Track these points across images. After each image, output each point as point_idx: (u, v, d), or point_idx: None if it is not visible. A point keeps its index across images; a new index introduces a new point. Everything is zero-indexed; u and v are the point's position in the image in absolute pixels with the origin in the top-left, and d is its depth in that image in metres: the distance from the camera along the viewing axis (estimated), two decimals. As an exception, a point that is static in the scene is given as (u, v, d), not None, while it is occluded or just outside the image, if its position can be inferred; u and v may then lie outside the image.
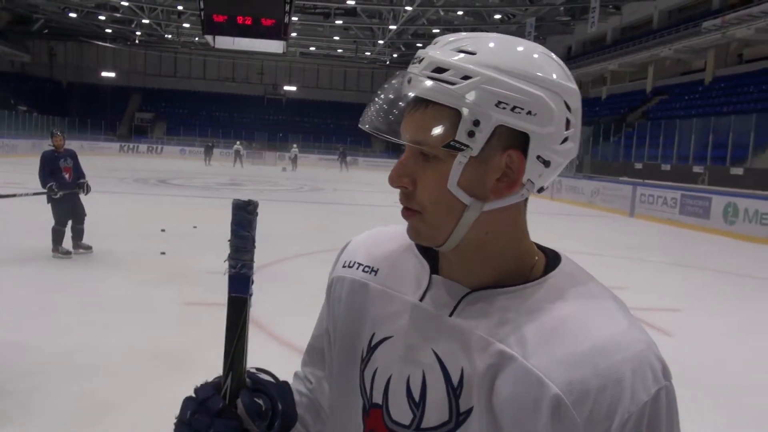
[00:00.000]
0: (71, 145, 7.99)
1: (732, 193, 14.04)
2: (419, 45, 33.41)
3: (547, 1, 32.59)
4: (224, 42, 16.54)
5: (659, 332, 5.51)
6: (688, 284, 8.16)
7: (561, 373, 0.67)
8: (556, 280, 0.75)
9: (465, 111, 0.69)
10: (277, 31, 15.31)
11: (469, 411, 0.72)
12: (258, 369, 0.84)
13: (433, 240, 0.76)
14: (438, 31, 37.70)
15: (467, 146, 0.69)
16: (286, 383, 0.85)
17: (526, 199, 0.77)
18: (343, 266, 0.91)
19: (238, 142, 35.31)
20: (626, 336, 0.69)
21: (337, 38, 43.11)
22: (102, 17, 40.64)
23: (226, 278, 0.79)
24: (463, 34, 0.74)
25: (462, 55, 0.70)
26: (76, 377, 3.85)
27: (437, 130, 0.70)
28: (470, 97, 0.68)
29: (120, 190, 8.84)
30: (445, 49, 0.72)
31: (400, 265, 0.85)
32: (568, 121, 0.72)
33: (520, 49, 0.72)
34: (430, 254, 0.82)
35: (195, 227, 9.57)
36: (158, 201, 14.14)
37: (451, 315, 0.76)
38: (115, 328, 4.83)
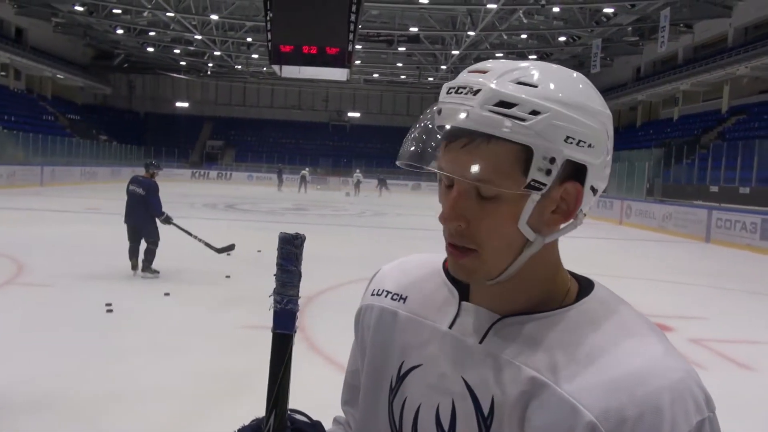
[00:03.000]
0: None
1: (819, 218, 13.16)
2: (482, 69, 33.21)
3: (613, 22, 31.94)
4: (290, 71, 16.99)
5: (740, 366, 5.17)
6: (771, 315, 7.64)
7: (596, 400, 0.65)
8: (588, 306, 0.73)
9: (537, 148, 0.66)
10: (342, 60, 15.60)
11: None
12: (292, 410, 0.82)
13: (488, 277, 0.73)
14: (501, 55, 37.56)
15: (545, 185, 0.67)
16: (319, 424, 0.84)
17: None
18: (372, 294, 0.90)
19: (306, 169, 36.05)
20: (664, 362, 0.67)
21: (400, 64, 43.62)
22: (177, 51, 42.72)
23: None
24: (511, 62, 0.71)
25: (526, 88, 0.67)
26: (140, 399, 3.94)
27: (505, 167, 0.67)
28: (543, 133, 0.66)
29: (189, 215, 9.16)
30: (502, 81, 0.68)
31: (428, 292, 0.83)
32: (608, 148, 0.72)
33: (572, 80, 0.71)
34: (459, 281, 0.80)
35: (259, 251, 9.75)
36: (225, 225, 14.54)
37: (481, 342, 0.74)
38: (178, 350, 4.94)
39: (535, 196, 0.68)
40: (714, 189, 20.52)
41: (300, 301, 0.82)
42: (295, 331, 0.79)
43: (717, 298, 8.50)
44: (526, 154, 0.66)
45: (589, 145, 0.68)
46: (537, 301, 0.75)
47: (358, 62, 39.76)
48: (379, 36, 35.79)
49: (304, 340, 5.24)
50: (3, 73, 35.05)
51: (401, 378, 0.79)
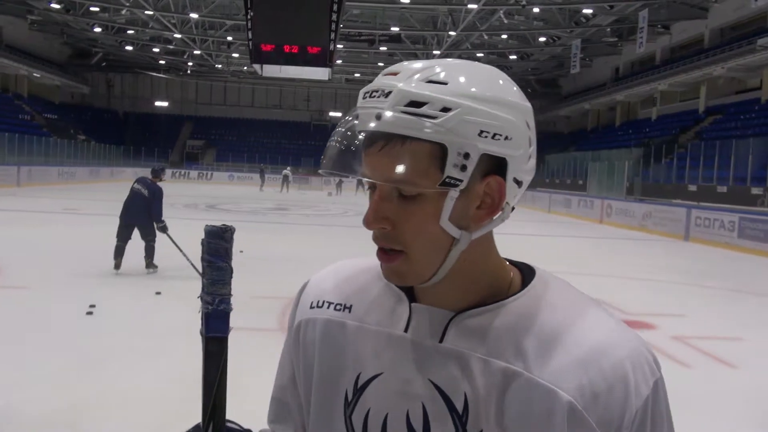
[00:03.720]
0: (125, 173, 8.50)
1: (794, 216, 13.39)
2: (463, 69, 33.35)
3: (593, 23, 32.24)
4: (272, 70, 16.91)
5: (721, 363, 5.22)
6: (749, 312, 7.75)
7: (569, 379, 0.67)
8: (537, 290, 0.75)
9: (452, 145, 0.66)
10: (323, 59, 15.55)
11: None
12: (226, 420, 0.79)
13: (420, 279, 0.73)
14: (482, 55, 37.71)
15: (461, 180, 0.67)
16: (250, 431, 0.82)
17: None
18: (311, 307, 0.85)
19: (288, 168, 35.93)
20: (619, 333, 0.71)
21: (381, 64, 43.52)
22: (156, 49, 42.28)
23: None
24: (421, 62, 0.71)
25: (435, 86, 0.67)
26: (122, 404, 3.87)
27: (420, 167, 0.66)
28: (455, 129, 0.65)
29: (170, 216, 9.02)
30: (412, 80, 0.68)
31: (374, 298, 0.81)
32: (529, 139, 0.72)
33: (485, 72, 0.71)
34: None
35: (241, 251, 9.59)
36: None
37: (441, 341, 0.73)
38: (161, 353, 4.86)
39: (454, 193, 0.68)
40: (692, 188, 20.80)
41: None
42: (229, 333, 0.73)
43: (697, 295, 8.60)
44: (441, 151, 0.66)
45: (506, 138, 0.68)
46: (485, 293, 0.75)
47: (339, 62, 39.66)
48: (360, 35, 35.76)
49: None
50: (-23, 72, 34.41)
51: (360, 390, 0.76)
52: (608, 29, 32.97)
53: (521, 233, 16.18)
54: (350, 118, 0.71)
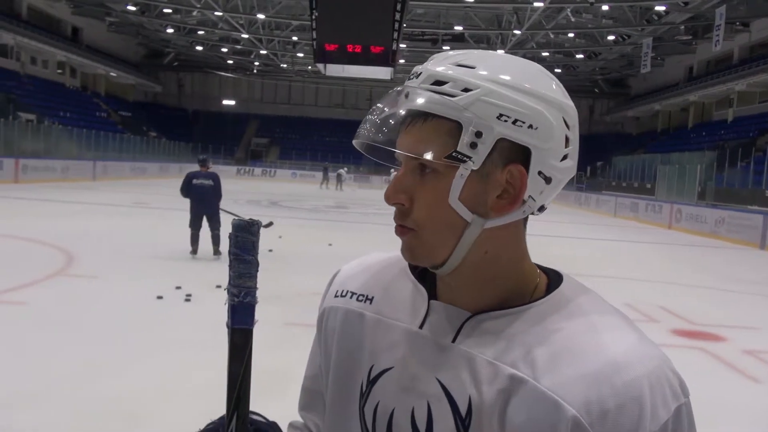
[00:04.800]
0: (193, 168, 9.11)
1: None
2: (528, 68, 32.82)
3: (665, 20, 31.03)
4: (335, 70, 17.11)
5: (796, 380, 4.90)
6: (831, 327, 7.26)
7: (577, 393, 0.64)
8: (559, 298, 0.72)
9: (466, 122, 0.67)
10: (386, 58, 15.62)
11: None
12: (251, 412, 0.79)
13: (431, 259, 0.73)
14: (547, 54, 36.94)
15: (469, 157, 0.68)
16: (275, 424, 0.82)
17: (526, 219, 0.74)
18: (335, 296, 0.87)
19: (344, 168, 36.37)
20: (639, 350, 0.67)
21: (444, 64, 43.39)
22: (224, 49, 43.55)
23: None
24: (461, 51, 0.73)
25: (462, 69, 0.69)
26: (175, 396, 3.98)
27: (438, 142, 0.68)
28: (472, 108, 0.67)
29: (233, 211, 9.30)
30: (443, 63, 0.71)
31: (395, 291, 0.81)
32: (567, 139, 0.71)
33: (519, 63, 0.72)
34: (427, 279, 0.80)
35: (270, 251, 9.36)
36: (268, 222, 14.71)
37: (453, 341, 0.73)
38: (216, 347, 4.98)
39: (464, 171, 0.68)
40: (770, 193, 19.72)
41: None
42: (254, 326, 0.74)
43: (772, 307, 8.14)
44: (458, 129, 0.68)
45: (530, 126, 0.67)
46: (506, 296, 0.73)
47: (402, 61, 39.66)
48: (423, 35, 35.69)
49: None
50: (59, 71, 36.36)
51: (372, 382, 0.77)
52: (682, 27, 31.64)
53: (585, 237, 15.76)
54: (386, 98, 0.74)
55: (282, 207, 19.88)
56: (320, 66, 16.98)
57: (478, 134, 0.67)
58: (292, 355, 4.72)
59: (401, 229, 0.73)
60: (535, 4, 26.73)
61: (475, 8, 31.49)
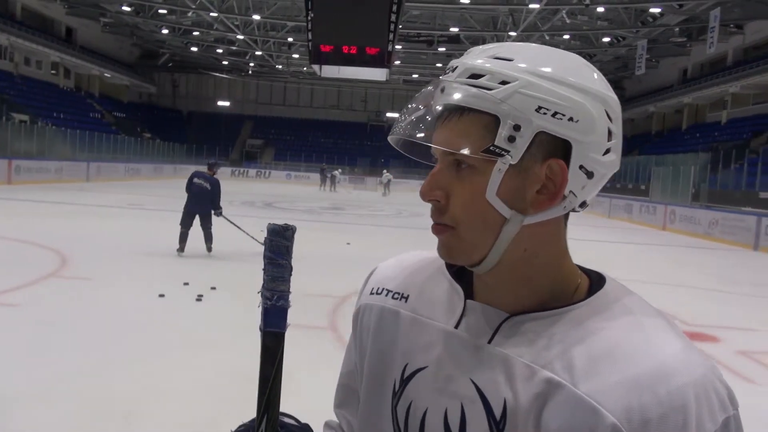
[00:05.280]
0: (188, 170, 9.35)
1: None
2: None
3: (660, 22, 31.14)
4: (330, 71, 17.12)
5: (791, 381, 4.91)
6: (825, 328, 7.29)
7: (617, 399, 0.61)
8: (601, 301, 0.69)
9: (504, 115, 0.66)
10: (381, 60, 15.62)
11: None
12: (281, 413, 0.79)
13: (469, 258, 0.71)
14: (543, 55, 37.00)
15: (507, 151, 0.66)
16: (308, 426, 0.81)
17: (567, 217, 0.72)
18: (371, 293, 0.86)
19: (338, 170, 36.39)
20: (685, 358, 0.63)
21: (439, 65, 43.40)
22: (219, 50, 43.48)
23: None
24: (497, 43, 0.72)
25: (499, 61, 0.68)
26: (171, 398, 3.96)
27: (475, 136, 0.67)
28: (509, 101, 0.65)
29: (227, 212, 9.31)
30: (479, 56, 0.69)
31: (431, 290, 0.80)
32: (609, 132, 0.69)
33: (557, 55, 0.70)
34: (463, 278, 0.78)
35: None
36: (261, 224, 14.68)
37: (490, 342, 0.71)
38: (213, 349, 4.96)
39: (502, 166, 0.66)
40: (764, 195, 19.80)
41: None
42: (286, 329, 0.74)
43: (766, 308, 8.17)
44: (495, 123, 0.66)
45: (570, 119, 0.65)
46: (545, 297, 0.71)
47: (397, 62, 39.73)
48: (419, 36, 35.70)
49: (337, 339, 5.22)
50: (53, 72, 36.21)
51: (405, 381, 0.76)
52: (676, 29, 31.77)
53: (578, 238, 15.80)
54: (421, 93, 0.72)
55: (276, 208, 19.86)
56: (315, 67, 16.98)
57: (516, 127, 0.65)
58: (290, 356, 4.72)
59: (438, 228, 0.71)
60: (531, 6, 26.79)
61: (470, 10, 31.54)
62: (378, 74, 18.15)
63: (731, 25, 29.70)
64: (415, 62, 42.70)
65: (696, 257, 14.00)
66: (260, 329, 0.75)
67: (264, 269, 0.74)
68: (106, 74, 40.49)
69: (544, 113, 0.65)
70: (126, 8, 34.00)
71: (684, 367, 0.62)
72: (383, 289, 0.84)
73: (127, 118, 42.25)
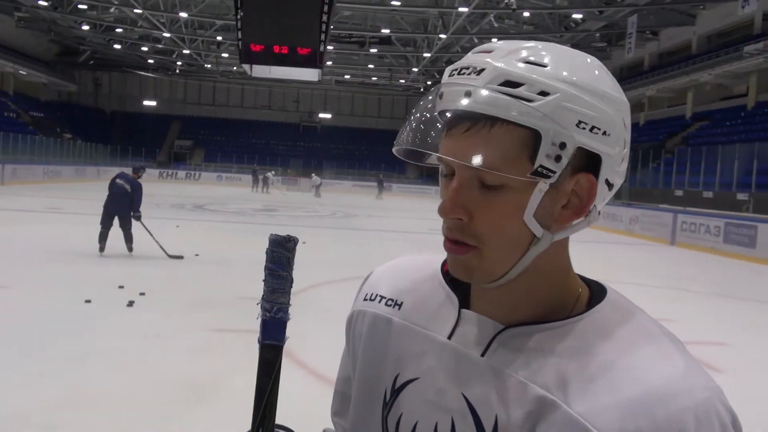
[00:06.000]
0: (112, 172, 9.17)
1: (779, 222, 13.53)
2: (453, 72, 33.50)
3: (582, 28, 32.43)
4: (261, 71, 16.83)
5: (710, 369, 5.19)
6: (735, 316, 7.79)
7: (611, 422, 0.57)
8: (601, 314, 0.66)
9: (546, 132, 0.60)
10: (313, 60, 15.48)
11: None
12: (278, 426, 0.76)
13: (489, 277, 0.66)
14: (472, 58, 37.79)
15: (554, 172, 0.61)
16: None
17: None
18: (365, 299, 0.83)
19: (271, 171, 35.92)
20: (687, 379, 0.60)
21: (371, 66, 43.60)
22: (145, 48, 42.01)
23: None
24: (519, 42, 0.65)
25: (534, 67, 0.61)
26: (96, 407, 3.79)
27: (512, 153, 0.60)
28: (552, 115, 0.60)
29: (156, 215, 9.03)
30: (508, 59, 0.62)
31: (426, 298, 0.76)
32: (625, 141, 0.66)
33: (586, 62, 0.65)
34: (459, 285, 0.74)
35: (197, 255, 9.42)
36: (192, 226, 14.29)
37: (483, 355, 0.67)
38: (140, 354, 4.79)
39: (543, 186, 0.62)
40: (679, 193, 20.96)
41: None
42: (285, 342, 0.73)
43: (683, 300, 8.64)
44: (534, 138, 0.60)
45: (604, 133, 0.62)
46: (544, 309, 0.68)
47: (329, 63, 39.61)
48: (350, 37, 35.71)
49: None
50: (-38, 68, 34.00)
51: (396, 392, 0.73)
52: (597, 34, 33.19)
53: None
54: (431, 97, 0.65)
55: (207, 210, 19.38)
56: (246, 67, 16.67)
57: (562, 145, 0.60)
58: (221, 362, 4.61)
59: (460, 247, 0.65)
60: (460, 9, 27.31)
61: (401, 12, 31.82)
62: (310, 75, 18.03)
63: (647, 32, 31.31)
64: (347, 63, 42.69)
65: (617, 252, 14.65)
66: (258, 341, 0.73)
67: (264, 280, 0.72)
68: (21, 71, 38.35)
69: (583, 128, 0.61)
70: (42, 2, 32.33)
71: (685, 389, 0.59)
72: (377, 295, 0.81)
73: (45, 117, 40.17)
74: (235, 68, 41.91)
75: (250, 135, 50.29)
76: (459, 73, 0.63)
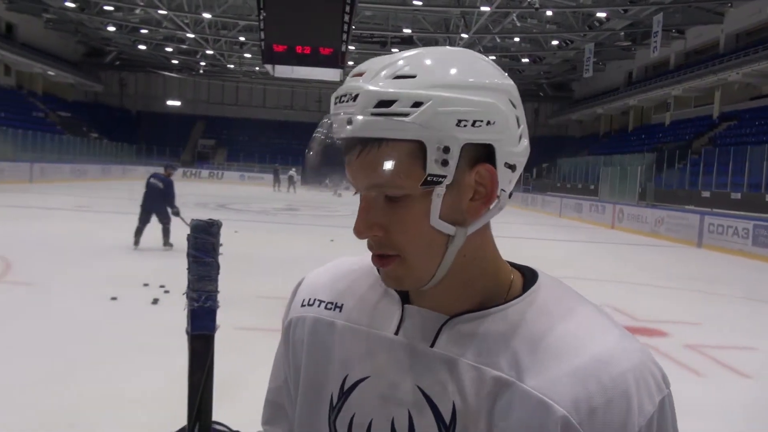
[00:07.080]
0: (137, 171, 9.33)
1: (810, 224, 13.21)
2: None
3: (606, 26, 32.05)
4: (283, 71, 16.93)
5: (735, 373, 5.12)
6: (763, 321, 7.62)
7: (564, 392, 0.63)
8: (537, 295, 0.71)
9: (429, 140, 0.62)
10: (335, 60, 15.52)
11: None
12: (215, 422, 0.76)
13: (419, 282, 0.69)
14: (494, 57, 37.60)
15: (444, 177, 0.64)
16: None
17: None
18: (303, 305, 0.82)
19: (293, 169, 36.02)
20: (623, 345, 0.66)
21: (393, 66, 43.56)
22: (169, 49, 42.51)
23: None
24: (386, 57, 0.67)
25: (402, 81, 0.63)
26: (119, 405, 3.84)
27: (403, 167, 0.63)
28: (430, 123, 0.62)
29: (185, 218, 9.17)
30: (379, 78, 0.64)
31: (366, 297, 0.78)
32: (517, 119, 0.68)
33: (451, 56, 0.67)
34: None
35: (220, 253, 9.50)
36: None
37: (432, 345, 0.70)
38: (162, 352, 4.83)
39: (440, 190, 0.64)
40: (706, 194, 20.60)
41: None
42: (215, 331, 0.71)
43: (710, 303, 8.48)
44: (420, 149, 0.63)
45: (488, 123, 0.64)
46: (482, 297, 0.71)
47: (351, 63, 39.61)
48: (372, 37, 35.76)
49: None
50: (-7, 69, 34.73)
51: (345, 394, 0.73)
52: (622, 33, 32.76)
53: (531, 237, 16.08)
54: (323, 129, 0.67)
55: (230, 210, 19.55)
56: (268, 67, 16.77)
57: (446, 149, 0.63)
58: (242, 360, 4.63)
59: (383, 260, 0.69)
60: (482, 9, 27.17)
61: (423, 11, 31.76)
62: (331, 74, 18.08)
63: (673, 30, 30.82)
64: (369, 63, 42.71)
65: (643, 254, 14.44)
66: (187, 332, 0.71)
67: (188, 269, 0.69)
68: (49, 72, 39.05)
69: (464, 125, 0.63)
70: (70, 4, 32.88)
71: (622, 354, 0.65)
72: (315, 299, 0.81)
73: (72, 117, 40.84)
74: (257, 68, 42.19)
75: (272, 135, 50.58)
76: (340, 101, 0.66)
